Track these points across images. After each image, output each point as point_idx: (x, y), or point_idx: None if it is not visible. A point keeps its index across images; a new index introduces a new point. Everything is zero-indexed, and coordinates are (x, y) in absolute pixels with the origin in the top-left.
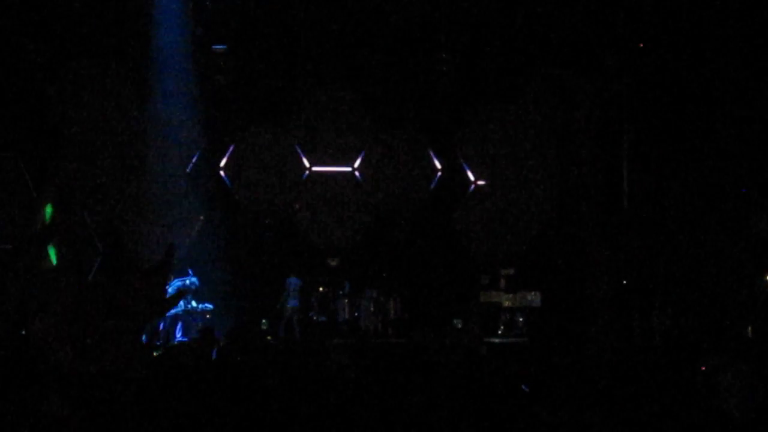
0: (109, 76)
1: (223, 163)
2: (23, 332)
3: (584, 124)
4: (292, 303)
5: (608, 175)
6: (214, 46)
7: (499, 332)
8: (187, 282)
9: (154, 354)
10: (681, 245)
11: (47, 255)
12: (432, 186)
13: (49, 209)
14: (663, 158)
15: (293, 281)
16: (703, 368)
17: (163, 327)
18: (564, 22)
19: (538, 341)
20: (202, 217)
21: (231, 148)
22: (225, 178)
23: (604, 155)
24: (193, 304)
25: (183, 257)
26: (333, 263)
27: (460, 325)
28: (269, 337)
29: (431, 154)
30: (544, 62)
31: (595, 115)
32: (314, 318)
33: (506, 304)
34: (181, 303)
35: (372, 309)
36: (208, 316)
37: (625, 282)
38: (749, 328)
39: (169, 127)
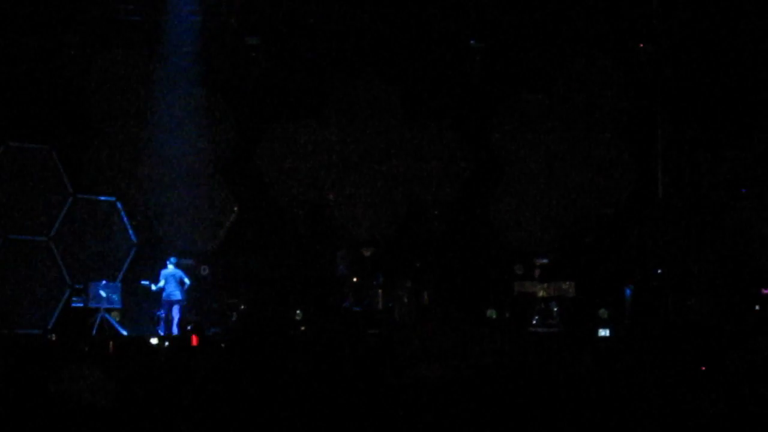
0: (140, 66)
1: (256, 154)
2: None
3: (618, 112)
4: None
5: (643, 162)
6: (247, 38)
7: (534, 322)
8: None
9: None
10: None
11: None
12: (465, 176)
13: None
14: (698, 144)
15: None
16: (703, 368)
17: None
18: (597, 7)
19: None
20: (236, 208)
21: (264, 139)
22: (258, 169)
23: (639, 143)
24: (186, 281)
25: (217, 249)
26: (367, 253)
27: (494, 316)
28: (303, 327)
29: (463, 144)
30: (577, 49)
31: (628, 102)
32: (349, 308)
33: (540, 294)
34: (179, 290)
35: (406, 299)
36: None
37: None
38: None
39: (202, 118)
